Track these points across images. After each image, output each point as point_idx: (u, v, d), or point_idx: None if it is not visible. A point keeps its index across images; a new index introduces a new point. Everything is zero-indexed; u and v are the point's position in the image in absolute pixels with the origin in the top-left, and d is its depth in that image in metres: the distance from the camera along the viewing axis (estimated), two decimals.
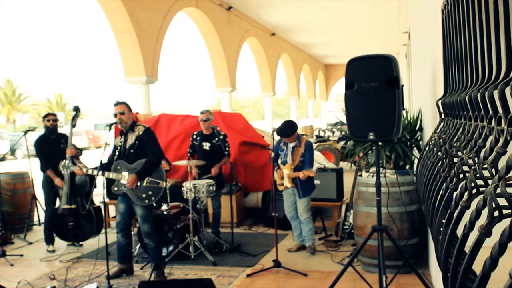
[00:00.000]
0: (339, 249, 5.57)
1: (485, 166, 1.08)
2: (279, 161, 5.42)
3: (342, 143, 13.57)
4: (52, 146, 5.93)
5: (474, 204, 1.14)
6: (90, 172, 4.87)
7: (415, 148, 5.08)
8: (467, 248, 1.06)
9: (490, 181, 1.03)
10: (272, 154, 5.32)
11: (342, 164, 12.26)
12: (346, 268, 3.76)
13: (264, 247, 5.72)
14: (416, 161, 5.21)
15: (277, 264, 4.84)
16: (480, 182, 1.12)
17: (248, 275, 4.75)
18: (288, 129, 5.27)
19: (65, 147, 5.79)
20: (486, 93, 1.19)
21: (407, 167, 5.05)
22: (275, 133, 5.14)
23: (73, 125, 5.74)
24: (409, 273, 4.33)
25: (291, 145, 5.35)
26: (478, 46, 1.46)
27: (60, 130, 6.26)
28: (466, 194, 1.16)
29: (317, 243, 5.66)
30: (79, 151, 5.88)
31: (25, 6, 70.63)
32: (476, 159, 1.25)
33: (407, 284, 4.26)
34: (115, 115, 4.71)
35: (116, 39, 9.40)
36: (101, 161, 4.59)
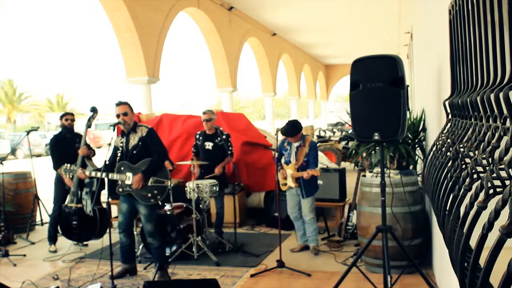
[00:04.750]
0: (342, 250, 5.57)
1: (501, 166, 1.08)
2: (282, 160, 5.41)
3: (343, 143, 13.57)
4: (67, 145, 5.96)
5: (489, 205, 1.14)
6: (93, 174, 4.86)
7: (418, 148, 5.07)
8: (485, 249, 1.05)
9: (507, 182, 1.03)
10: (275, 154, 5.31)
11: (344, 164, 12.25)
12: (351, 268, 3.76)
13: (267, 247, 5.71)
14: (419, 161, 5.21)
15: (280, 264, 4.84)
16: (497, 182, 1.11)
17: (252, 275, 4.75)
18: (292, 128, 5.26)
19: (79, 147, 5.80)
20: (501, 94, 1.19)
21: (410, 167, 5.05)
22: (278, 133, 5.13)
23: (89, 126, 5.76)
24: (413, 273, 4.33)
25: (295, 144, 5.34)
26: (490, 46, 1.46)
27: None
28: (482, 194, 1.16)
29: (320, 243, 5.66)
30: (92, 151, 5.89)
31: (26, 6, 70.62)
32: (490, 159, 1.24)
33: (411, 285, 4.26)
34: (118, 116, 4.69)
35: (118, 39, 9.40)
36: (105, 161, 4.58)
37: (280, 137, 5.33)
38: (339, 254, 5.41)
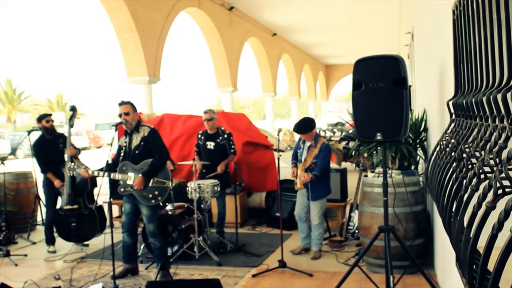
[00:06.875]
0: (343, 250, 5.57)
1: (510, 166, 1.08)
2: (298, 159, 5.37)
3: (344, 143, 13.54)
4: (50, 148, 5.90)
5: (498, 205, 1.14)
6: (96, 173, 4.86)
7: (419, 148, 5.07)
8: (495, 249, 1.05)
9: None
10: (276, 155, 5.30)
11: (344, 165, 12.24)
12: (353, 268, 3.76)
13: (268, 247, 5.71)
14: (421, 161, 5.21)
15: (282, 264, 4.83)
16: (505, 182, 1.11)
17: (254, 275, 4.75)
18: (304, 125, 5.20)
19: (63, 148, 5.77)
20: (509, 94, 1.18)
21: (412, 167, 5.05)
22: (280, 133, 5.11)
23: (71, 125, 5.73)
24: (415, 273, 4.33)
25: (307, 144, 5.28)
26: (496, 46, 1.45)
27: (59, 130, 6.24)
28: (490, 194, 1.16)
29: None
30: (78, 150, 5.87)
31: (25, 6, 70.61)
32: (497, 159, 1.24)
33: (413, 284, 4.26)
34: (120, 115, 4.69)
35: (118, 39, 9.39)
36: (107, 161, 4.57)
37: (282, 136, 5.32)
38: (340, 254, 5.40)
